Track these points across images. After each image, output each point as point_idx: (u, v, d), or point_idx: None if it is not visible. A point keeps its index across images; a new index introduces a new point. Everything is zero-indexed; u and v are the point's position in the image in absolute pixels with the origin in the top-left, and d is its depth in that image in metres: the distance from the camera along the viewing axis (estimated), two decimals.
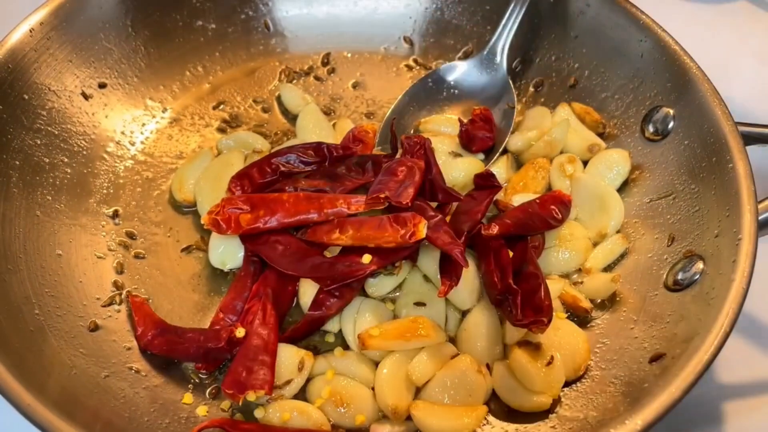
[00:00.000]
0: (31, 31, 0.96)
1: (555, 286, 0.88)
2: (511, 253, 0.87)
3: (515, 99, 1.06)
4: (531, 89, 1.11)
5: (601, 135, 1.04)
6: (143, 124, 1.06)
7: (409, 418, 0.80)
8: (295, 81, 1.13)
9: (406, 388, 0.82)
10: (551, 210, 0.91)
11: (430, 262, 0.87)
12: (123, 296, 0.90)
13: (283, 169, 0.94)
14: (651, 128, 0.98)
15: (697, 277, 0.83)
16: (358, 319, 0.86)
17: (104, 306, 0.89)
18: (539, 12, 1.09)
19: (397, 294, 0.89)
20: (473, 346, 0.84)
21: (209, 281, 0.93)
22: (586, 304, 0.88)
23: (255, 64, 1.14)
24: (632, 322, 0.86)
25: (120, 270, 0.93)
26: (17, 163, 0.92)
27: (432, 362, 0.82)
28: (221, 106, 1.10)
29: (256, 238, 0.89)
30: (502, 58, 1.08)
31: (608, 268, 0.93)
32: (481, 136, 1.02)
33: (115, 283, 0.91)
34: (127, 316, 0.89)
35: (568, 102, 1.06)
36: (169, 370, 0.85)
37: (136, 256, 0.94)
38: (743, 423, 0.87)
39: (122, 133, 1.04)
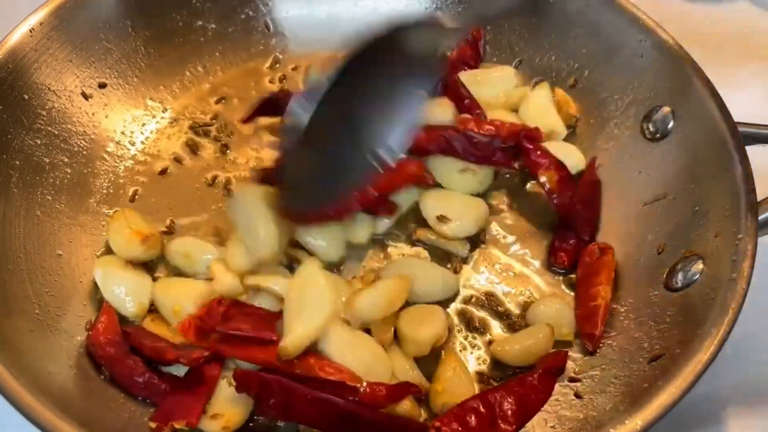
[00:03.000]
0: (31, 31, 0.96)
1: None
2: None
3: None
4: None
5: (571, 128, 1.05)
6: (143, 124, 1.06)
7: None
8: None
9: None
10: None
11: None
12: None
13: None
14: (651, 128, 0.98)
15: (697, 277, 0.83)
16: None
17: None
18: (539, 12, 1.09)
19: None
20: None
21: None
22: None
23: (255, 64, 1.14)
24: (632, 322, 0.86)
25: None
26: (17, 163, 0.92)
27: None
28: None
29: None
30: None
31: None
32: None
33: None
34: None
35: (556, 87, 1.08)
36: None
37: None
38: (743, 423, 0.87)
39: (122, 133, 1.04)
